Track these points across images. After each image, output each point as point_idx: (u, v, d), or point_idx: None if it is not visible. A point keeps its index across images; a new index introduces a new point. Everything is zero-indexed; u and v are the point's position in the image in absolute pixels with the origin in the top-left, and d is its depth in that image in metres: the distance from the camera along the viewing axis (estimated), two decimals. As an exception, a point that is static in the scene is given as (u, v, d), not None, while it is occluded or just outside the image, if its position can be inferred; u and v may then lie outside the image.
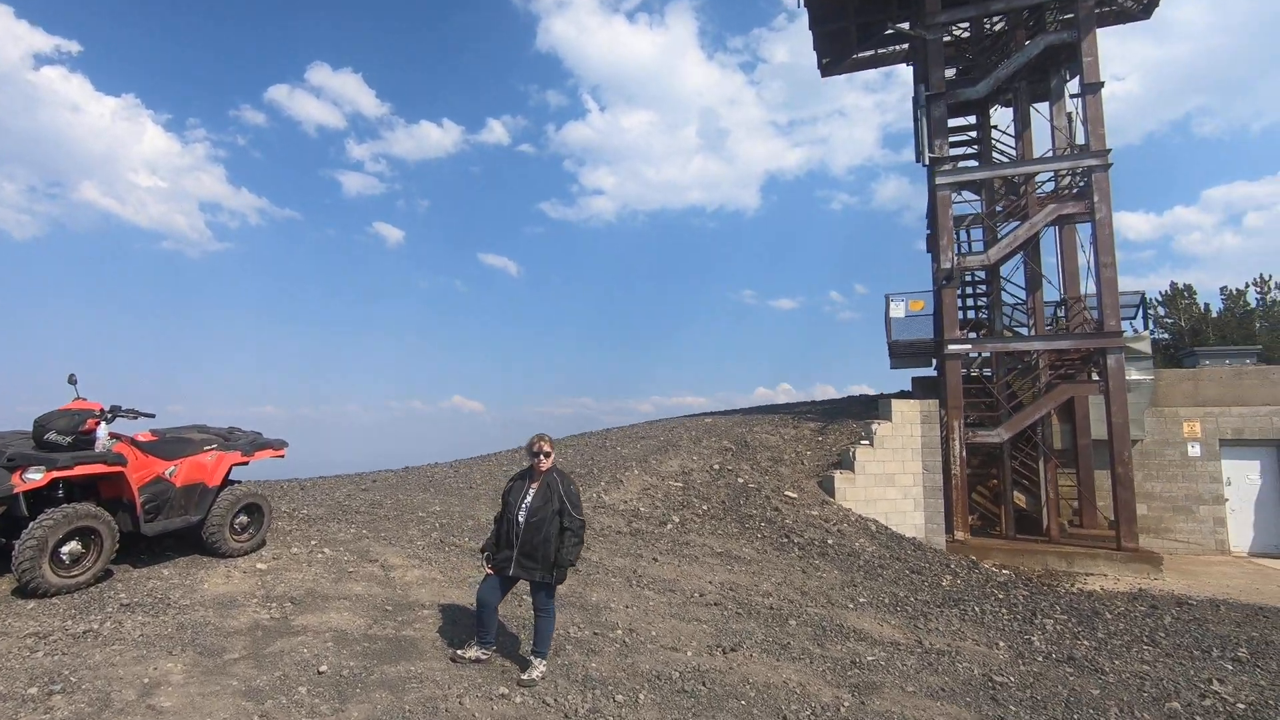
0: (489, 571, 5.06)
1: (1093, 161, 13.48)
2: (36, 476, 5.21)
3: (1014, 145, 16.05)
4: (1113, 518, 14.61)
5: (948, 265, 14.23)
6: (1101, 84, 13.61)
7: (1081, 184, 14.71)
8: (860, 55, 20.95)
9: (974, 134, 16.66)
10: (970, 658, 6.47)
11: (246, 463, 6.88)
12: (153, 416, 6.19)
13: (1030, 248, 14.92)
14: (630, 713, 4.61)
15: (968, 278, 16.23)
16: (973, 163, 16.31)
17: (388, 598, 6.15)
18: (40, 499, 5.47)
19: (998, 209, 15.53)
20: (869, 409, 16.92)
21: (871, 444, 13.19)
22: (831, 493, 12.62)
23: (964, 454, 13.72)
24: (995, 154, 16.02)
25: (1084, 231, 14.92)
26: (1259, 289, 31.48)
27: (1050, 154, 14.96)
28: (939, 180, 14.50)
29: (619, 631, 6.09)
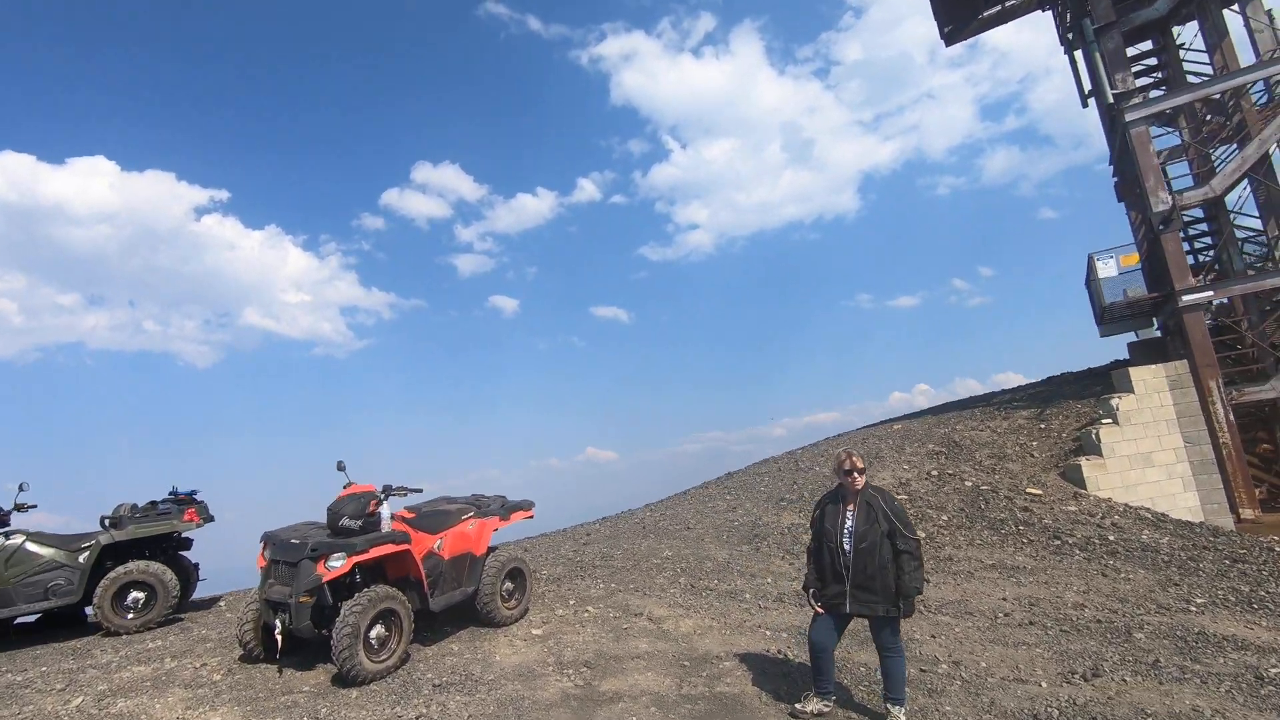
0: (818, 611, 4.48)
1: (1328, 53, 11.44)
2: (339, 564, 5.25)
3: (1208, 62, 14.07)
4: None
5: (1163, 207, 12.47)
6: (1319, -36, 11.63)
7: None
8: (987, 14, 19.52)
9: (1155, 60, 14.81)
10: None
11: (500, 528, 6.78)
12: (420, 491, 6.22)
13: (1263, 169, 12.82)
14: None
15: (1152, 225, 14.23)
16: (1159, 91, 14.45)
17: (678, 653, 5.71)
18: (339, 587, 5.53)
19: (1204, 135, 13.57)
20: (1087, 386, 15.05)
21: (1116, 421, 11.56)
22: (1081, 483, 11.09)
23: (1231, 418, 11.71)
24: (1189, 76, 14.09)
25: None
26: None
27: (1257, 62, 12.91)
28: (1130, 116, 12.85)
29: (944, 666, 5.30)
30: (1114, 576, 7.65)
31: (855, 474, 4.46)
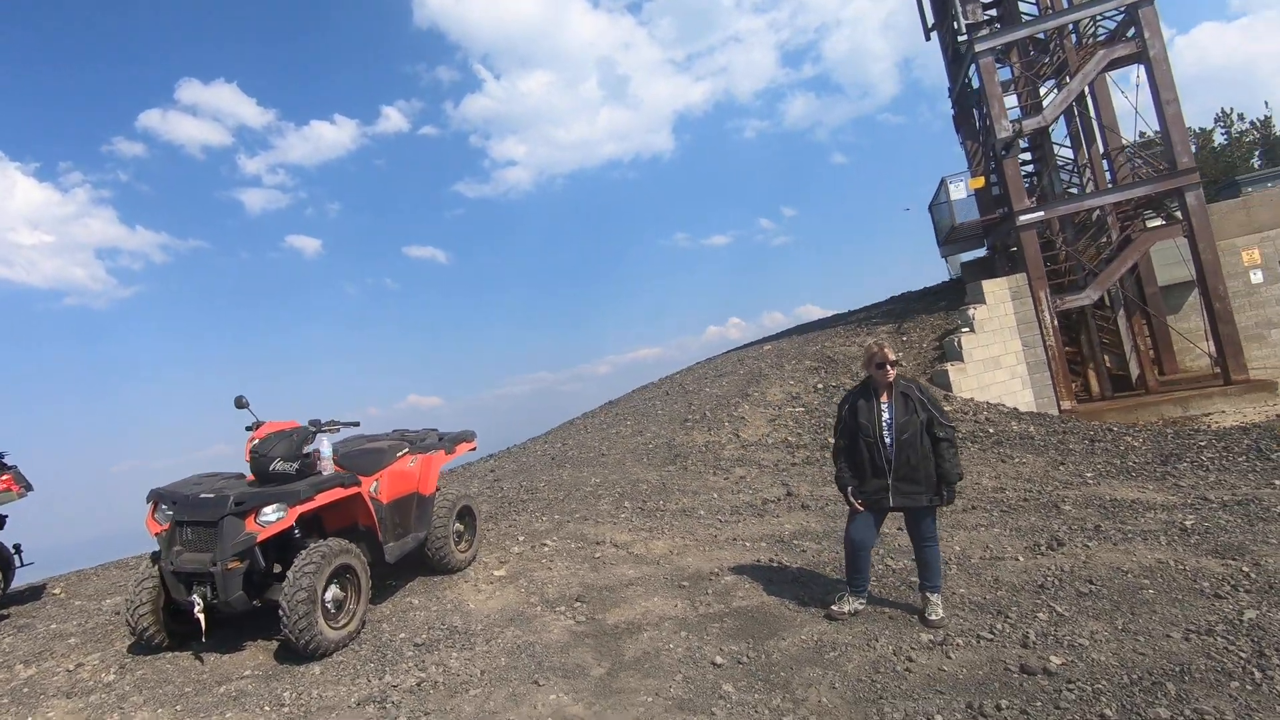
0: (858, 509, 4.30)
1: (1136, -2, 12.95)
2: (278, 516, 4.20)
3: (1034, 2, 15.44)
4: (1207, 359, 14.66)
5: (1005, 134, 13.66)
6: (1132, -86, 12.99)
7: (1114, 25, 14.26)
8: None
9: (991, -3, 15.95)
10: (1272, 499, 6.06)
11: (447, 462, 5.91)
12: (357, 425, 5.17)
13: (1080, 103, 14.44)
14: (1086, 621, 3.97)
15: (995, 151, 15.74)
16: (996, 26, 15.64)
17: (668, 575, 5.37)
18: (271, 548, 4.46)
19: (1032, 72, 14.98)
20: (931, 303, 16.52)
21: (973, 329, 12.76)
22: (948, 386, 12.18)
23: (1056, 324, 13.42)
24: (1023, 15, 15.36)
25: (1120, 79, 14.52)
26: (1223, 124, 32.13)
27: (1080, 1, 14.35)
28: (980, 46, 13.79)
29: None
30: (1011, 462, 8.45)
31: (889, 366, 4.26)
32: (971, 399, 11.97)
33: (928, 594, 4.28)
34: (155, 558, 4.53)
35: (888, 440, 4.19)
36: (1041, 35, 15.07)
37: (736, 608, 4.66)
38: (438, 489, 5.67)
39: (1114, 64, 13.58)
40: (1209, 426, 11.18)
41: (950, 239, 16.16)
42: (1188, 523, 5.67)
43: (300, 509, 4.25)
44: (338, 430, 4.99)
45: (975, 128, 16.65)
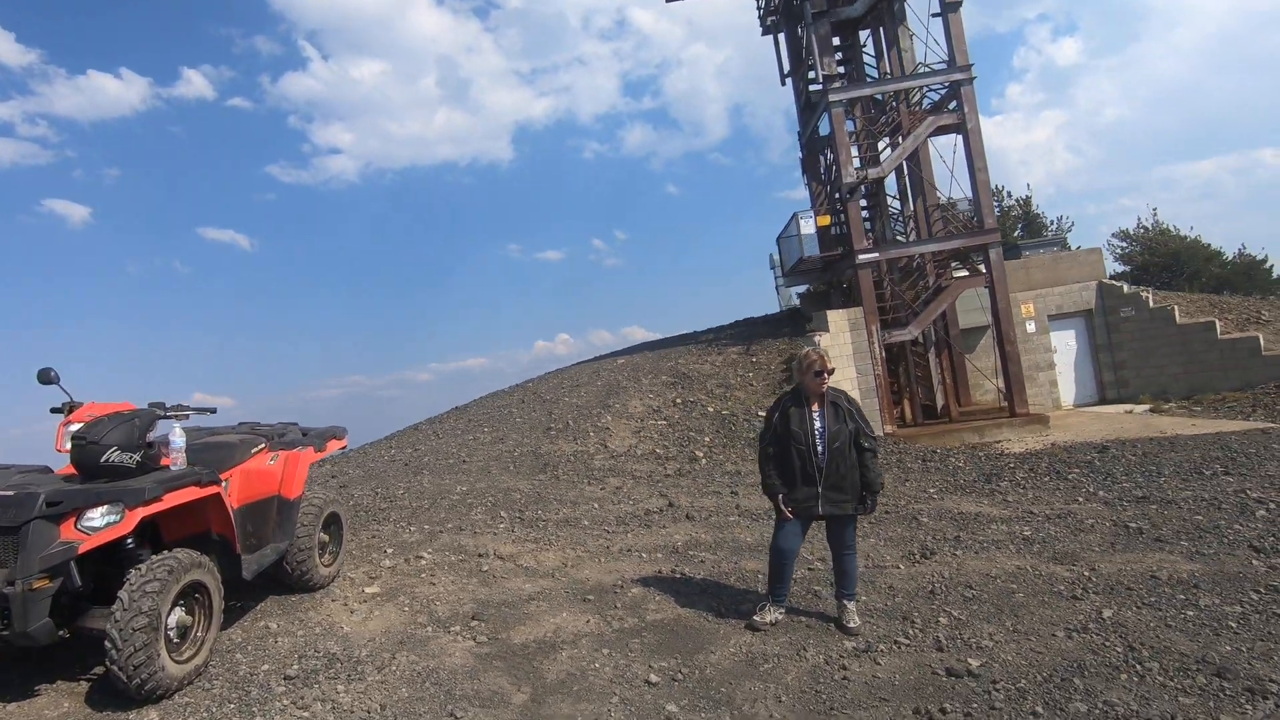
0: (787, 517, 4.26)
1: (960, 76, 14.83)
2: (112, 520, 3.28)
3: (875, 65, 17.16)
4: (994, 394, 16.92)
5: (850, 179, 14.94)
6: (959, 2, 14.91)
7: (937, 97, 16.21)
8: (703, -21, 20.78)
9: (840, 55, 17.46)
10: (1081, 512, 6.99)
11: (315, 461, 5.07)
12: (214, 412, 4.25)
13: (912, 159, 16.19)
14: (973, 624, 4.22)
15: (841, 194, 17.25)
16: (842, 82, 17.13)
17: (569, 590, 5.01)
18: (89, 560, 3.48)
19: (873, 127, 16.58)
20: (776, 328, 17.55)
21: (818, 355, 13.68)
22: (794, 407, 12.90)
23: (883, 354, 14.82)
24: (868, 74, 16.96)
25: (939, 145, 16.50)
26: (996, 199, 37.89)
27: (916, 71, 16.17)
28: (834, 96, 15.00)
29: (818, 564, 5.62)
30: (863, 478, 9.05)
31: (826, 374, 4.31)
32: (816, 419, 12.78)
33: (845, 601, 4.35)
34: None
35: (820, 449, 4.22)
36: (879, 97, 16.77)
37: (652, 621, 4.42)
38: (303, 493, 4.83)
39: (940, 130, 15.41)
40: (1003, 451, 12.90)
41: (795, 270, 17.32)
42: (1026, 533, 6.36)
43: (143, 512, 3.36)
44: (186, 417, 4.08)
45: (819, 171, 18.08)
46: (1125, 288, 17.91)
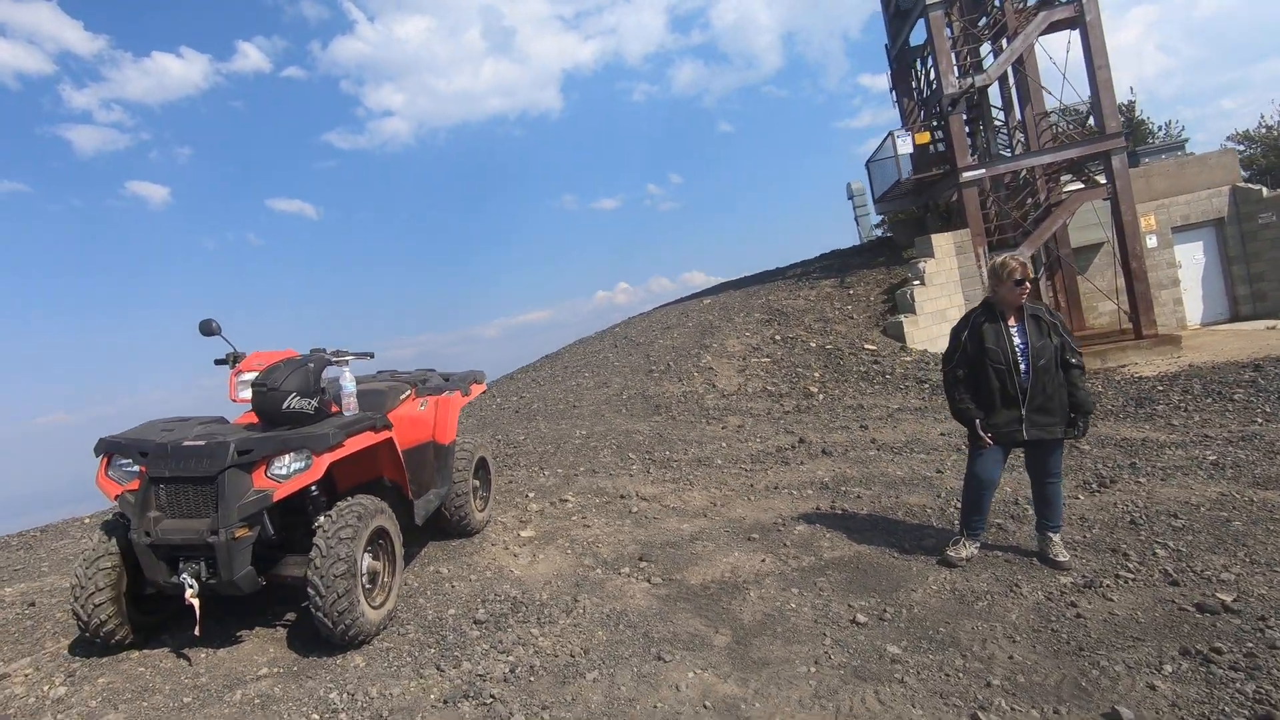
0: (989, 442, 3.87)
1: (1076, -38, 13.29)
2: (301, 466, 3.20)
3: (974, -39, 15.59)
4: (1110, 316, 15.74)
5: (952, 90, 13.77)
6: (1076, -122, 13.24)
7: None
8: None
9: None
10: (1269, 434, 6.30)
11: (464, 405, 4.97)
12: (372, 356, 4.14)
13: (1014, 67, 14.80)
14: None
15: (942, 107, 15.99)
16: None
17: (730, 529, 4.80)
18: (278, 509, 3.44)
19: (974, 30, 15.18)
20: (869, 258, 16.70)
21: (923, 282, 12.91)
22: (901, 338, 12.27)
23: (993, 279, 13.86)
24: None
25: (1046, 45, 14.98)
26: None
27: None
28: (931, 0, 13.73)
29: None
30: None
31: (1028, 283, 3.82)
32: (926, 349, 12.13)
33: (1049, 534, 3.96)
34: (111, 528, 3.39)
35: (1023, 367, 3.78)
36: (976, -4, 15.29)
37: (832, 559, 4.16)
38: (455, 438, 4.73)
39: (1052, 27, 13.95)
40: (1137, 375, 11.96)
41: (889, 195, 16.33)
42: (1211, 458, 5.75)
43: (330, 457, 3.27)
44: (348, 362, 3.97)
45: (912, 86, 16.81)
46: (1265, 191, 16.13)
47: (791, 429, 7.69)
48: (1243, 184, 16.38)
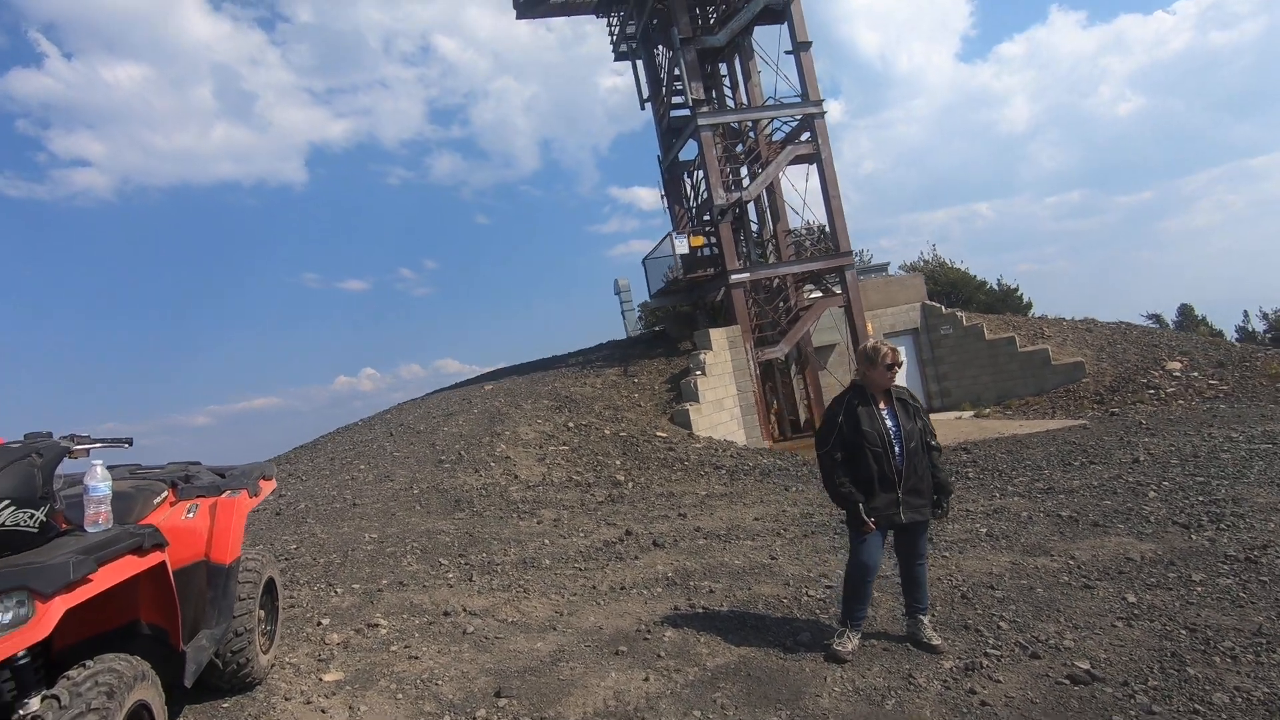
0: (871, 527, 3.79)
1: (814, 110, 15.87)
2: (18, 617, 2.00)
3: (730, 96, 17.88)
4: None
5: (721, 202, 15.27)
6: (809, 43, 15.99)
7: (787, 129, 17.20)
8: (555, 2, 20.58)
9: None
10: (1011, 506, 7.37)
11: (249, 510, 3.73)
12: (129, 444, 2.89)
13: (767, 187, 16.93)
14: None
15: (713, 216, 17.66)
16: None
17: (589, 642, 4.16)
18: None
19: (732, 154, 17.17)
20: (646, 349, 17.34)
21: (704, 373, 13.63)
22: (688, 424, 12.70)
23: (758, 372, 15.19)
24: (727, 101, 17.55)
25: (788, 173, 17.49)
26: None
27: (764, 104, 17.03)
28: (703, 121, 15.31)
29: (827, 578, 5.27)
30: (792, 492, 8.95)
31: (897, 368, 3.96)
32: (709, 436, 12.65)
33: (920, 616, 3.98)
34: None
35: (897, 450, 3.85)
36: (735, 125, 17.47)
37: (717, 668, 3.74)
38: (240, 555, 3.50)
39: (796, 159, 16.33)
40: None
41: (665, 291, 17.32)
42: (982, 530, 6.52)
43: (69, 600, 2.09)
44: (86, 454, 2.72)
45: (682, 194, 18.39)
46: (943, 309, 20.14)
47: (612, 520, 7.27)
48: (929, 302, 20.31)
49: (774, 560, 5.79)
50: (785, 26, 16.06)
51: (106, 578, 2.25)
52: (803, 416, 17.33)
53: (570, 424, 12.06)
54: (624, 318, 30.60)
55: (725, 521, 7.24)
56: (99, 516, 2.45)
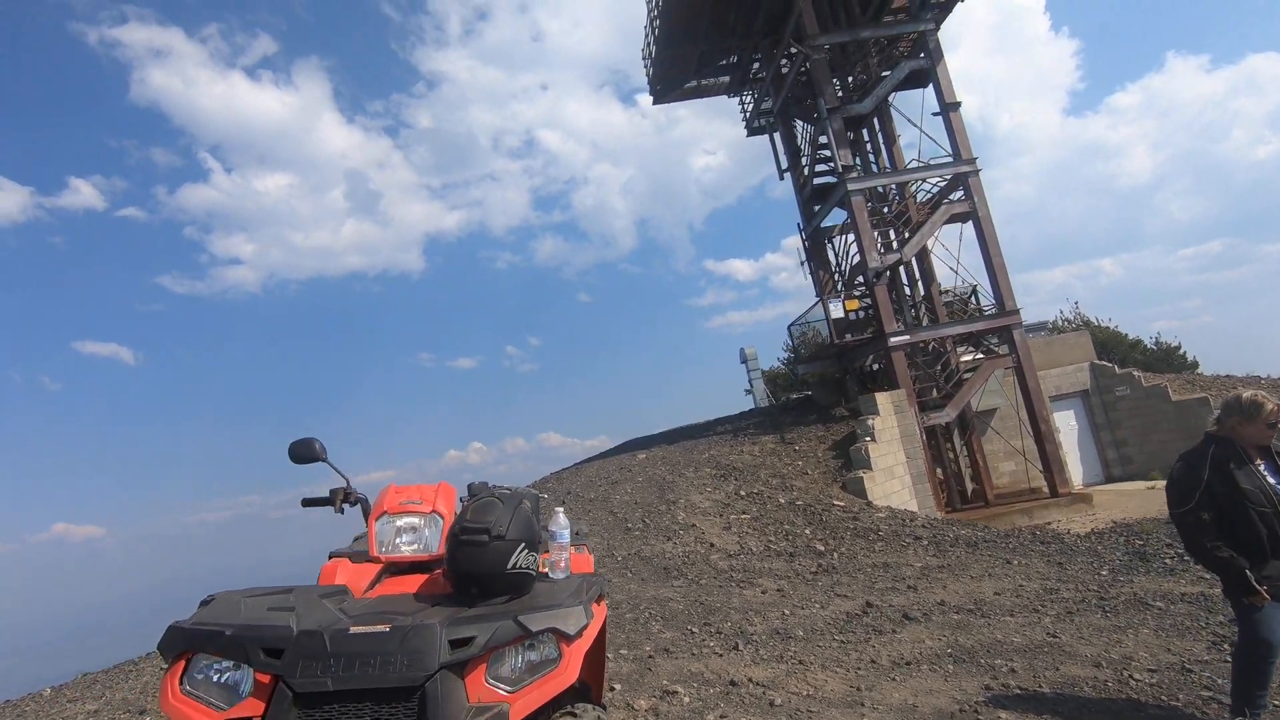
0: (1266, 597, 3.36)
1: (966, 168, 15.55)
2: (549, 661, 2.04)
3: (874, 160, 17.88)
4: (1011, 475, 16.79)
5: (875, 264, 15.04)
6: (959, 103, 15.84)
7: (933, 190, 16.88)
8: (688, 86, 21.62)
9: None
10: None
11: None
12: (545, 497, 3.01)
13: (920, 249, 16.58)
14: None
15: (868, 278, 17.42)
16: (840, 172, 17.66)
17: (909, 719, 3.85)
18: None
19: (880, 217, 17.01)
20: (799, 415, 16.97)
21: (874, 439, 13.11)
22: (863, 493, 12.13)
23: (925, 438, 14.46)
24: (872, 165, 17.57)
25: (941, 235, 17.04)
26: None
27: (915, 163, 16.85)
28: (852, 186, 15.32)
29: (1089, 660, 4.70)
30: (1015, 565, 8.24)
31: (1278, 425, 3.57)
32: (889, 504, 12.02)
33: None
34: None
35: (1289, 511, 3.43)
36: (880, 189, 17.37)
37: (1092, 757, 3.34)
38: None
39: (951, 218, 15.94)
40: (1068, 530, 12.50)
41: (815, 356, 17.05)
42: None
43: (582, 646, 2.13)
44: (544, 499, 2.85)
45: (826, 259, 18.31)
46: (1116, 368, 18.64)
47: (840, 592, 6.92)
48: (1099, 361, 18.87)
49: (1056, 639, 5.26)
50: (930, 89, 16.06)
51: (596, 623, 2.29)
52: (969, 485, 16.23)
53: (742, 492, 11.82)
54: (751, 385, 30.35)
55: (964, 596, 6.72)
56: (562, 562, 2.53)
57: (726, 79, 21.36)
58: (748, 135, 21.33)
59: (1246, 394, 3.65)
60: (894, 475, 13.28)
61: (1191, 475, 3.64)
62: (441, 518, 2.54)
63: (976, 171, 15.56)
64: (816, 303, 16.42)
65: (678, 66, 20.13)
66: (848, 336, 16.80)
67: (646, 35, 19.81)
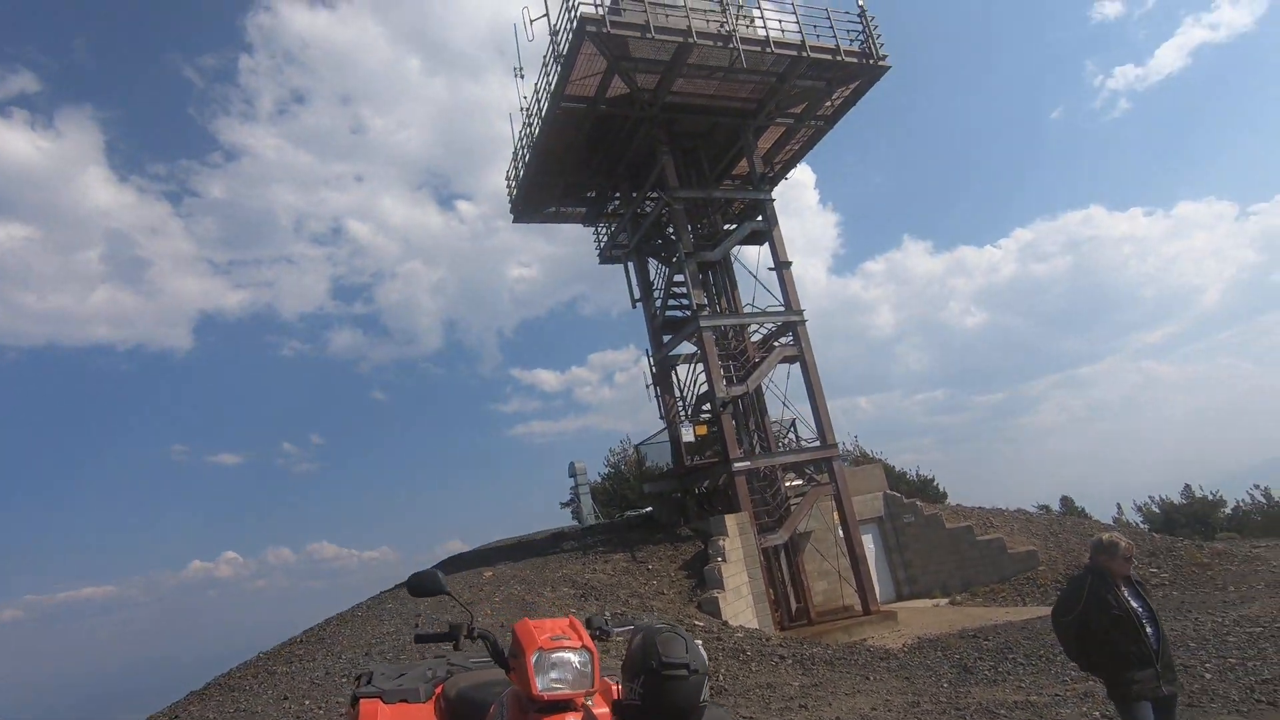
0: (1143, 702, 4.30)
1: (795, 318, 17.98)
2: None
3: (718, 299, 19.95)
4: (824, 594, 18.42)
5: (722, 395, 16.52)
6: (790, 262, 18.49)
7: (765, 332, 19.18)
8: (548, 211, 22.91)
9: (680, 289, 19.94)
10: (1097, 690, 7.96)
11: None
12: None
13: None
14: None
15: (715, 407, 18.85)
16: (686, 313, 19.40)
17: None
18: None
19: (731, 347, 18.82)
20: (647, 534, 17.38)
21: (725, 559, 13.88)
22: (717, 613, 12.72)
23: (763, 559, 15.58)
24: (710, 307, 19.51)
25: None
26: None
27: (750, 307, 19.10)
28: (704, 323, 16.95)
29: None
30: (874, 681, 9.14)
31: (1133, 559, 4.70)
32: (742, 625, 12.67)
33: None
34: None
35: (1150, 630, 4.49)
36: (722, 327, 19.35)
37: None
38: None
39: (784, 359, 18.09)
40: (881, 647, 13.93)
41: (664, 475, 17.85)
42: (1096, 714, 7.04)
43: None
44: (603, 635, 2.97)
45: (672, 386, 19.64)
46: (903, 498, 21.62)
47: (744, 712, 7.23)
48: (890, 491, 21.77)
49: None
50: (766, 246, 18.60)
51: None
52: (794, 604, 17.52)
53: (607, 613, 11.78)
54: (579, 500, 30.39)
55: (850, 712, 7.37)
56: None
57: (584, 210, 22.93)
58: (600, 262, 22.79)
59: (1106, 536, 4.82)
60: (741, 595, 14.06)
61: (1072, 592, 4.66)
62: (592, 653, 2.62)
63: (804, 321, 18.03)
64: (663, 429, 17.47)
65: (541, 193, 21.33)
66: (695, 459, 17.96)
67: (516, 159, 20.90)
